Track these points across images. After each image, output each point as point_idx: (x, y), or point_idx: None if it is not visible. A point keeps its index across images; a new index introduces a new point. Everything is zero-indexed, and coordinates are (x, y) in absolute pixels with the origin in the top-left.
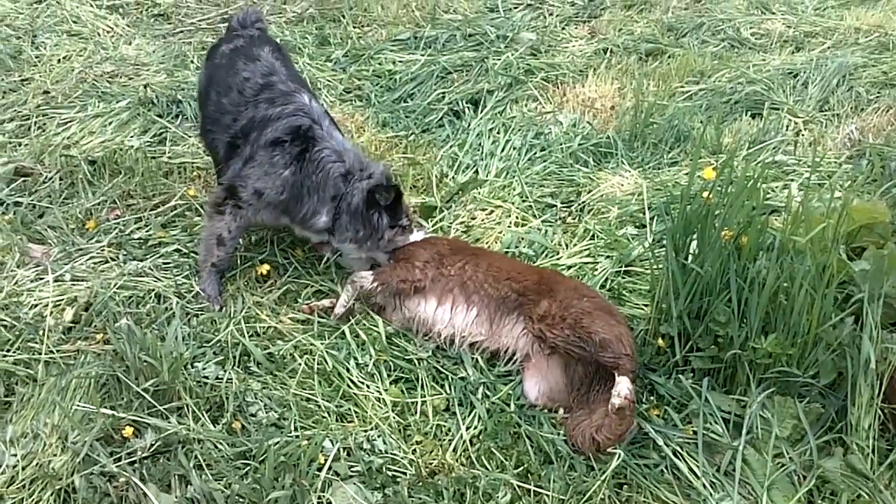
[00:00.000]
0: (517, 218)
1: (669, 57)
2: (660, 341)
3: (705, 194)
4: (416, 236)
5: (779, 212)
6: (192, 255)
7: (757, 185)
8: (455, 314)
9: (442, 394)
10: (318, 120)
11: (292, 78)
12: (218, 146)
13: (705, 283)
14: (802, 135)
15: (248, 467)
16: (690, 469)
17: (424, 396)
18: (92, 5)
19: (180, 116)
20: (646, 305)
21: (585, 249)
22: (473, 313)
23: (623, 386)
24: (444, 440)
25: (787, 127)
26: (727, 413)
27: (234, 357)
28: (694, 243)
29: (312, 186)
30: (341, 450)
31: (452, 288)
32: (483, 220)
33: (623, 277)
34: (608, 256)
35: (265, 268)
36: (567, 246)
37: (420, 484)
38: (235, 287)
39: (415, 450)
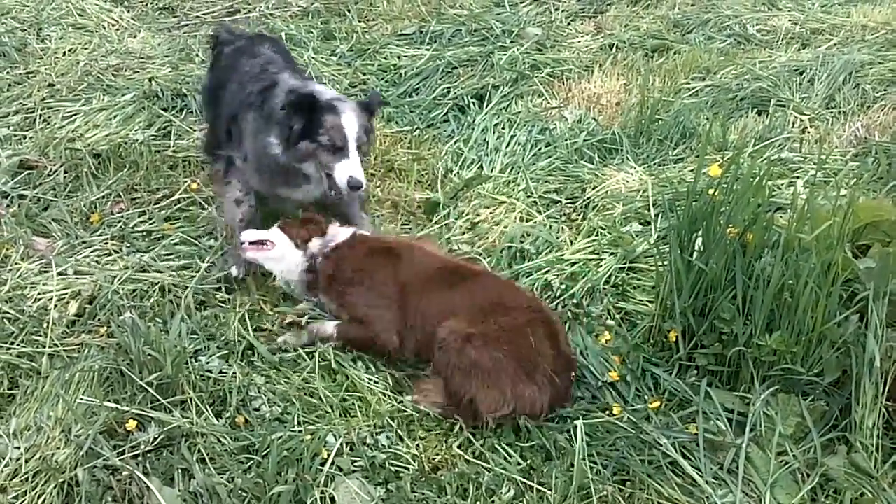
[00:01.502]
0: (522, 214)
1: (675, 53)
2: (672, 334)
3: (711, 191)
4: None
5: (784, 209)
6: (196, 246)
7: (762, 182)
8: None
9: None
10: (279, 73)
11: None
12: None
13: (710, 280)
14: (808, 132)
15: (252, 461)
16: (694, 466)
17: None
18: None
19: (185, 110)
20: (650, 302)
21: (590, 246)
22: None
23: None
24: (448, 436)
25: (793, 124)
26: (731, 410)
27: (238, 351)
28: (699, 240)
29: (264, 118)
30: (344, 445)
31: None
32: (487, 216)
33: (627, 274)
34: (612, 253)
35: None
36: (571, 242)
37: (423, 479)
38: (241, 281)
39: (418, 445)
